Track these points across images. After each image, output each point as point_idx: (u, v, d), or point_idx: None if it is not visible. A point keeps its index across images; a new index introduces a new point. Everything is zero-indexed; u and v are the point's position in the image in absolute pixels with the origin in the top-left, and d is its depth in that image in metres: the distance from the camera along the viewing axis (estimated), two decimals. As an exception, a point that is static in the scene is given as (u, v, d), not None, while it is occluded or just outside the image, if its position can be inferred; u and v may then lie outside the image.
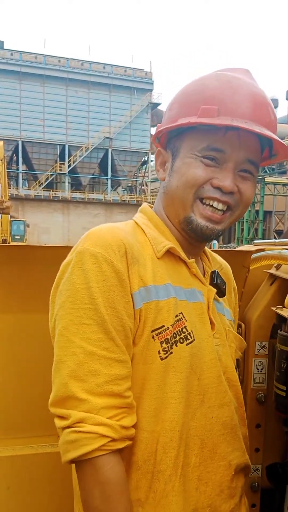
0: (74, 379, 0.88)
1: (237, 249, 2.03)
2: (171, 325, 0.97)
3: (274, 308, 1.47)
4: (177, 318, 0.99)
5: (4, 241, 24.28)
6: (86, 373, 0.88)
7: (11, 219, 26.30)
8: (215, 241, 25.54)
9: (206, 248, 1.21)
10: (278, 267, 1.71)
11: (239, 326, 1.65)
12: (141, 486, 0.95)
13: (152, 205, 1.16)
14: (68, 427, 0.87)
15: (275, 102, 56.71)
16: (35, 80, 37.46)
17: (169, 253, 1.04)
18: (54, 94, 37.91)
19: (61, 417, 0.89)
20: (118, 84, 38.86)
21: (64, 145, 38.60)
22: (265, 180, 31.71)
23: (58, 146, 38.66)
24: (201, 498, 0.99)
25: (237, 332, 1.23)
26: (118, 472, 0.89)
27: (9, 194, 28.86)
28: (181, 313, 1.00)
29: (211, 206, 1.01)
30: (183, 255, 1.06)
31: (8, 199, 26.57)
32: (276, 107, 56.74)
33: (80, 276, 0.92)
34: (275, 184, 34.61)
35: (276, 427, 1.58)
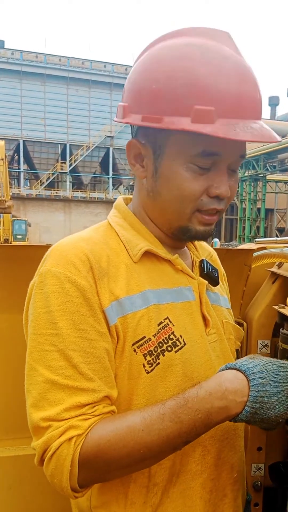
0: (37, 408, 0.83)
1: (238, 247, 2.03)
2: (154, 335, 0.90)
3: (276, 307, 1.46)
4: (162, 325, 0.92)
5: (6, 240, 24.34)
6: (49, 402, 0.82)
7: (13, 218, 26.39)
8: (216, 239, 25.53)
9: None
10: (280, 265, 1.70)
11: (241, 324, 1.65)
12: (135, 502, 0.90)
13: (129, 196, 1.07)
14: (41, 460, 0.84)
15: (276, 99, 56.57)
16: (36, 79, 37.51)
17: (148, 253, 0.96)
18: (55, 93, 37.96)
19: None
20: (119, 82, 38.78)
21: (65, 144, 38.63)
22: (267, 178, 31.67)
23: (59, 145, 38.70)
24: (206, 506, 0.95)
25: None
26: (102, 430, 0.82)
27: (11, 194, 28.90)
28: (167, 318, 0.93)
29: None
30: (163, 254, 0.98)
31: (10, 199, 26.63)
32: (277, 104, 56.61)
33: (42, 300, 0.87)
34: (276, 182, 34.59)
35: (279, 426, 1.57)
